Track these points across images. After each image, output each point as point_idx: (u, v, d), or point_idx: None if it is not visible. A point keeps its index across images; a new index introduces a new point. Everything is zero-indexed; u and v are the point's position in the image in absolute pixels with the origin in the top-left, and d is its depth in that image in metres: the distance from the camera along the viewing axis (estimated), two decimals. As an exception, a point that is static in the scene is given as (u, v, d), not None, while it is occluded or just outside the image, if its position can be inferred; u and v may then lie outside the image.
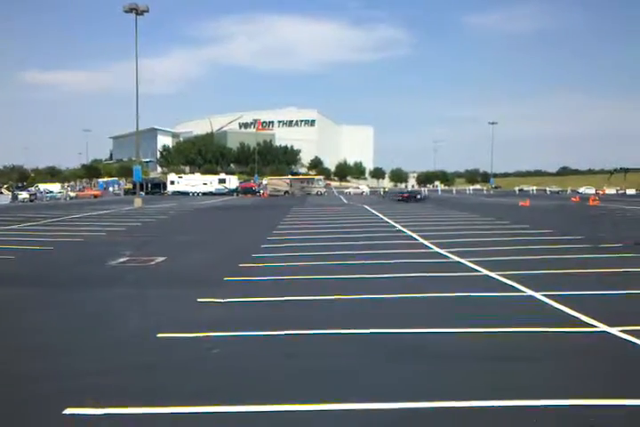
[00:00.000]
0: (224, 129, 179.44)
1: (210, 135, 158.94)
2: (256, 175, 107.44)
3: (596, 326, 7.15)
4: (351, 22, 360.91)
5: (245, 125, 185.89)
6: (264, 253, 14.68)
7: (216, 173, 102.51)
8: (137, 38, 44.42)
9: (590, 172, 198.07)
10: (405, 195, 53.47)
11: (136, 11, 43.97)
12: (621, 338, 6.64)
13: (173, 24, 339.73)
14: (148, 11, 44.51)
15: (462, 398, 4.89)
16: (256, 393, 5.10)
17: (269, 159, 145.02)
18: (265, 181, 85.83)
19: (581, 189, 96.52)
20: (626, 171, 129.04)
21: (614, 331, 6.90)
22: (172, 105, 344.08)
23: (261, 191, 78.49)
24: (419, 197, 53.60)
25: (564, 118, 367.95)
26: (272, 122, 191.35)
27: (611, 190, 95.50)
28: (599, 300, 8.87)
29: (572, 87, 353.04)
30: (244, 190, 78.62)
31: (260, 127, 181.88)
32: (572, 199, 57.01)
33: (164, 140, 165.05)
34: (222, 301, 8.90)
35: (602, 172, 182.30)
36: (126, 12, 44.21)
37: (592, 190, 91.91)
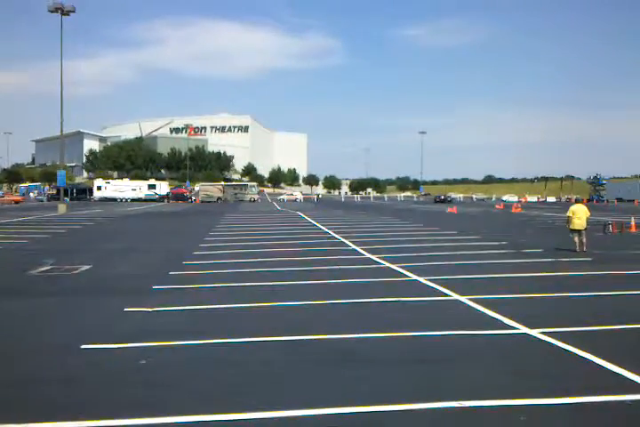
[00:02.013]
0: (154, 134, 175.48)
1: (139, 140, 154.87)
2: (188, 181, 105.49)
3: (517, 329, 7.45)
4: (286, 30, 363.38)
5: (177, 130, 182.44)
6: (196, 261, 14.43)
7: (146, 178, 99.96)
8: (62, 39, 42.90)
9: (513, 180, 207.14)
10: (442, 198, 79.63)
11: (62, 11, 42.47)
12: (541, 340, 6.95)
13: (102, 25, 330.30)
14: (74, 11, 43.11)
15: (390, 401, 4.96)
16: (184, 404, 4.99)
17: (201, 165, 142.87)
18: (197, 188, 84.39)
19: (505, 197, 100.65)
20: (546, 180, 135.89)
21: (535, 333, 7.22)
22: (99, 108, 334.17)
23: (193, 198, 77.15)
24: (449, 199, 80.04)
25: (489, 129, 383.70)
26: (204, 127, 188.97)
27: (532, 198, 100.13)
28: (521, 303, 9.26)
29: (497, 98, 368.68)
30: (176, 197, 77.05)
31: (192, 132, 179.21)
32: (497, 206, 59.38)
33: (90, 145, 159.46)
34: (150, 310, 8.67)
35: (524, 180, 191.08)
36: (51, 11, 42.63)
37: (515, 198, 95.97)
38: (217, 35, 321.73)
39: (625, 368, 5.73)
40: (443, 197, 79.93)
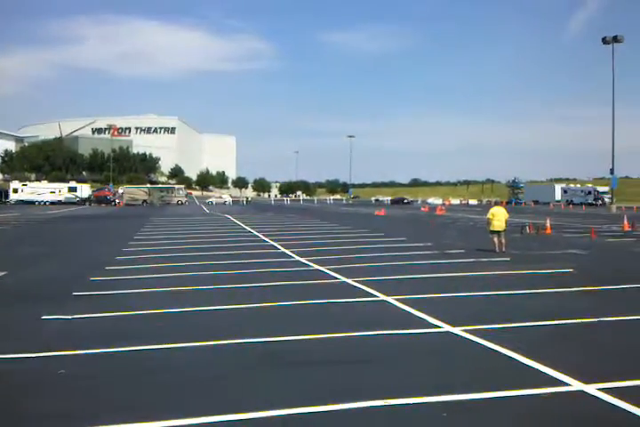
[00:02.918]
0: (75, 134, 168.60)
1: (59, 140, 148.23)
2: (111, 184, 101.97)
3: (441, 327, 7.67)
4: (214, 31, 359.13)
5: (99, 131, 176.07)
6: (119, 266, 13.95)
7: (66, 180, 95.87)
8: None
9: (438, 183, 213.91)
10: (397, 199, 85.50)
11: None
12: (463, 337, 7.19)
13: (19, 21, 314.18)
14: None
15: (316, 402, 4.97)
16: (107, 414, 4.80)
17: (126, 167, 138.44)
18: (121, 190, 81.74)
19: (430, 200, 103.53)
20: (468, 183, 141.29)
21: (456, 330, 7.46)
22: (15, 107, 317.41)
23: (117, 201, 74.70)
24: (405, 201, 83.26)
25: (416, 134, 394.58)
26: (129, 128, 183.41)
27: (455, 201, 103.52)
28: (444, 302, 9.54)
29: (424, 104, 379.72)
30: (98, 199, 74.29)
31: (116, 133, 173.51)
32: (422, 209, 61.01)
33: (5, 145, 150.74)
34: (69, 317, 8.30)
35: (448, 184, 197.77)
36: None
37: (439, 201, 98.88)
38: (143, 34, 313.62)
39: (541, 363, 6.01)
40: (399, 199, 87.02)
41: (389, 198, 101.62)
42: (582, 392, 5.21)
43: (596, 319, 8.04)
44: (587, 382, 5.41)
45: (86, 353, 6.53)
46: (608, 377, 5.53)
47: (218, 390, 5.40)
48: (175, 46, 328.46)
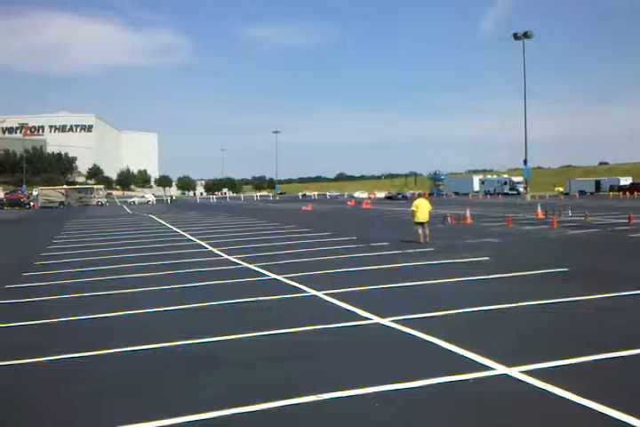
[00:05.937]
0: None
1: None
2: (24, 185, 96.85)
3: (371, 319, 7.81)
4: (128, 24, 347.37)
5: (10, 130, 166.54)
6: (38, 272, 13.30)
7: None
8: None
9: (363, 177, 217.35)
10: (391, 196, 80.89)
11: None
12: (392, 327, 7.35)
13: None
14: None
15: (249, 402, 4.94)
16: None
17: (40, 168, 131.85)
18: (35, 192, 77.81)
19: (356, 194, 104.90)
20: (392, 176, 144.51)
21: (386, 322, 7.61)
22: None
23: (32, 203, 71.06)
24: (400, 196, 78.96)
25: (339, 128, 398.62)
26: (42, 127, 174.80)
27: (380, 194, 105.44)
28: (372, 294, 9.71)
29: (346, 99, 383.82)
30: (11, 202, 70.36)
31: (29, 132, 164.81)
32: (349, 203, 61.77)
33: None
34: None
35: (372, 177, 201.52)
36: None
37: (365, 194, 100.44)
38: (52, 28, 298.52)
39: (467, 349, 6.24)
40: (392, 195, 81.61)
41: (385, 194, 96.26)
42: (506, 376, 5.45)
43: (514, 305, 8.42)
44: (510, 365, 5.66)
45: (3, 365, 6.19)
46: (529, 360, 5.81)
47: (148, 394, 5.26)
48: (86, 40, 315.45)
